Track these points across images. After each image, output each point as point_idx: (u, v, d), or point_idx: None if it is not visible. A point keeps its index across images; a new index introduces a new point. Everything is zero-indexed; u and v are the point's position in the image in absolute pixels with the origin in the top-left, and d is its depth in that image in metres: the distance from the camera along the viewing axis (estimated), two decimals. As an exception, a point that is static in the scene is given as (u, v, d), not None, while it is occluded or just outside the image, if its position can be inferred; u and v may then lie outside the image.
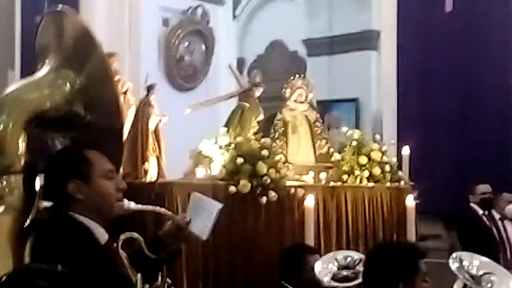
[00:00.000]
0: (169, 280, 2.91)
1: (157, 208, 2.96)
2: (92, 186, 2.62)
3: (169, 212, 2.93)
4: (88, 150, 2.67)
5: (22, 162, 2.83)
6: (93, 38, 2.93)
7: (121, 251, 2.71)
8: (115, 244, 2.69)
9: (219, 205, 2.88)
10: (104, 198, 2.64)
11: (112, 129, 2.92)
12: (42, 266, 2.25)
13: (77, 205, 2.60)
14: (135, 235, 2.75)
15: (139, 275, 2.67)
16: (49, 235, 2.56)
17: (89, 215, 2.60)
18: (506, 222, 7.28)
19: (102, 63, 2.93)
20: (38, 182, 2.79)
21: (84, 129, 2.91)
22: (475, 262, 3.73)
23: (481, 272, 3.67)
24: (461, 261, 3.71)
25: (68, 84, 2.96)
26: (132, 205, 2.75)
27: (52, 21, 3.11)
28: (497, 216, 7.27)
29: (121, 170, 6.28)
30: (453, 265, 3.70)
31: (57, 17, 3.09)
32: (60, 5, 3.15)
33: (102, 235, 2.62)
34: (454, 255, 3.80)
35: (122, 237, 2.70)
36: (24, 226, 2.74)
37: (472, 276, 3.63)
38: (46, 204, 2.70)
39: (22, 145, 2.84)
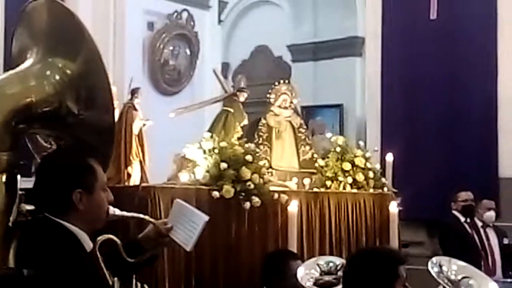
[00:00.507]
0: (145, 286, 2.89)
1: (141, 215, 2.95)
2: (93, 197, 2.65)
3: (150, 219, 2.91)
4: (91, 159, 2.68)
5: (5, 161, 2.75)
6: (76, 19, 2.79)
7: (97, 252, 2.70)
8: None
9: (205, 218, 2.84)
10: (100, 209, 2.69)
11: (105, 127, 2.82)
12: (7, 272, 2.27)
13: (72, 214, 2.62)
14: (113, 237, 2.74)
15: (115, 279, 2.67)
16: (36, 240, 2.57)
17: (80, 224, 2.62)
18: (487, 229, 7.31)
19: (92, 46, 2.77)
20: (19, 183, 2.77)
21: (76, 127, 2.81)
22: (453, 267, 3.74)
23: (459, 277, 3.68)
24: (440, 266, 3.72)
25: (57, 74, 2.76)
26: (117, 211, 2.75)
27: (24, 18, 2.94)
28: (479, 223, 7.30)
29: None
30: (433, 270, 3.71)
31: (27, 11, 2.93)
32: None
33: (88, 243, 2.64)
34: (433, 260, 3.81)
35: (100, 239, 2.69)
36: (7, 228, 2.70)
37: (451, 281, 3.64)
38: (28, 207, 2.69)
39: (4, 144, 2.74)
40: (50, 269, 2.45)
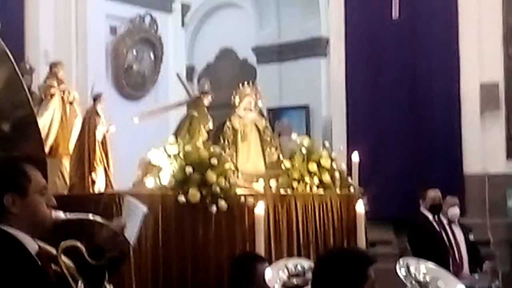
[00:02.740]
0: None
1: (90, 216, 2.92)
2: (27, 201, 2.65)
3: (100, 219, 2.89)
4: (25, 163, 2.68)
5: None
6: (3, 51, 2.93)
7: (64, 259, 2.70)
8: (54, 252, 2.66)
9: (143, 209, 2.86)
10: (37, 213, 2.67)
11: (30, 132, 2.93)
12: None
13: (8, 218, 2.62)
14: (75, 243, 2.74)
15: (79, 282, 2.67)
16: None
17: (20, 228, 2.62)
18: (453, 226, 7.36)
19: (13, 76, 2.94)
20: None
21: (2, 139, 2.91)
22: (421, 268, 3.74)
23: (427, 278, 3.68)
24: (408, 267, 3.72)
25: None
26: (61, 215, 2.74)
27: None
28: (444, 220, 7.35)
29: (67, 181, 6.23)
30: (400, 272, 3.71)
31: None
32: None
33: (32, 246, 2.63)
34: (400, 261, 3.81)
35: (62, 245, 2.70)
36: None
37: (419, 282, 3.64)
38: None
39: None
40: None
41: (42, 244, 2.68)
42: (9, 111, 2.97)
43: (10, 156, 2.87)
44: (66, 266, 2.69)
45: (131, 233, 2.82)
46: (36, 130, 3.00)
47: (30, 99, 3.07)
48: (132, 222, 2.83)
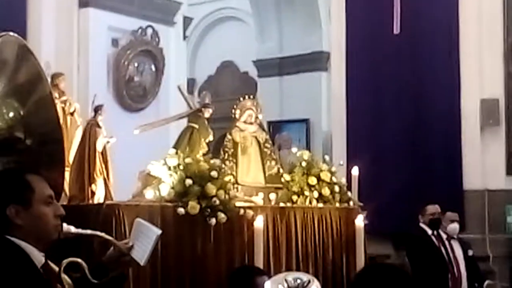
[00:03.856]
0: None
1: (98, 232, 2.93)
2: (32, 211, 2.61)
3: (109, 236, 2.91)
4: (29, 174, 2.66)
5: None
6: (37, 64, 2.95)
7: (64, 276, 2.69)
8: (56, 268, 2.66)
9: (157, 232, 2.89)
10: (43, 224, 2.64)
11: (52, 152, 2.91)
12: None
13: (15, 230, 2.59)
14: (78, 260, 2.73)
15: None
16: None
17: (27, 239, 2.60)
18: (452, 241, 7.36)
19: (45, 91, 2.98)
20: None
21: (24, 153, 2.90)
22: None
23: None
24: None
25: (11, 113, 3.02)
26: (72, 229, 2.74)
27: None
28: (443, 235, 7.36)
29: (67, 192, 6.24)
30: None
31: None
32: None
33: (38, 258, 2.60)
34: None
35: (65, 262, 2.68)
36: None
37: None
38: None
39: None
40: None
41: (48, 260, 2.67)
42: (35, 126, 2.98)
43: (12, 168, 2.86)
44: (67, 282, 2.69)
45: (141, 255, 2.84)
46: (59, 149, 2.99)
47: (59, 117, 3.07)
48: (143, 243, 2.84)
